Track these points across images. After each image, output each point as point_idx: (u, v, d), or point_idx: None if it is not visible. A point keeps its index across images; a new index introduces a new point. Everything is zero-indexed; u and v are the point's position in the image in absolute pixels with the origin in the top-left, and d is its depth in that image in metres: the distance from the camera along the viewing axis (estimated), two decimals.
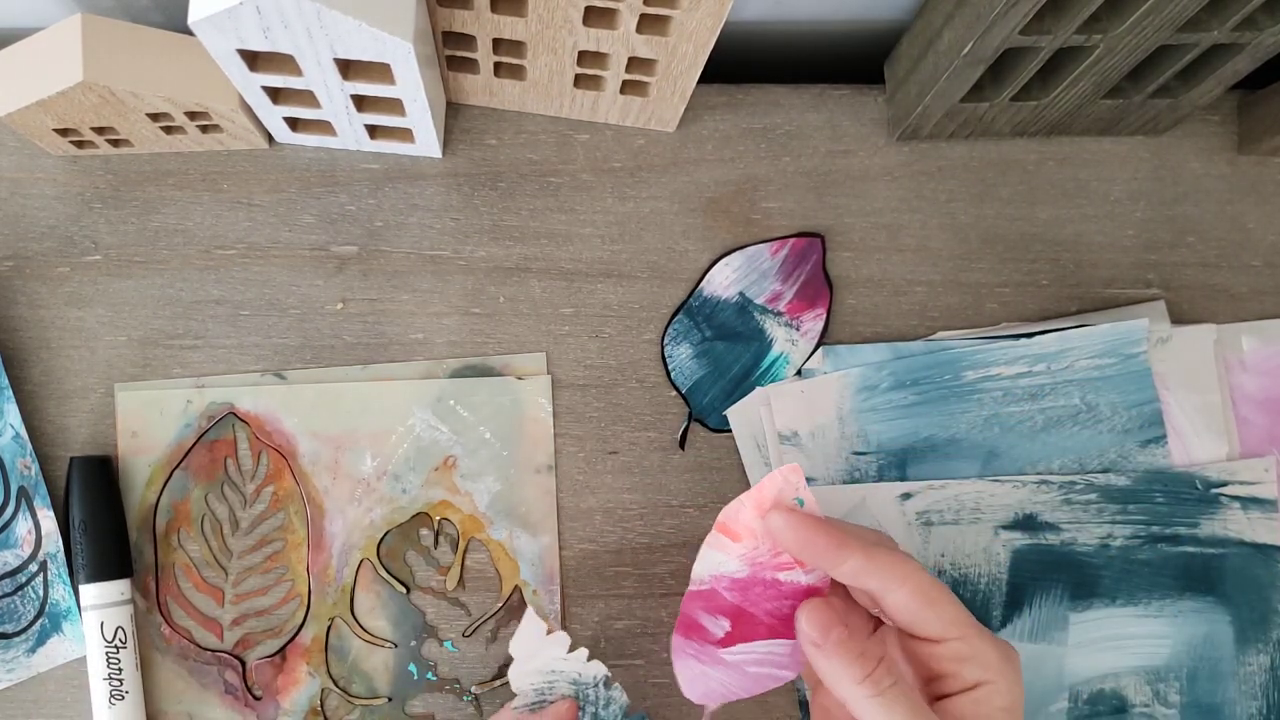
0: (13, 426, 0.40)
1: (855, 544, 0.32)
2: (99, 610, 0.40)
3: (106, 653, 0.39)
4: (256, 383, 0.43)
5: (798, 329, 0.45)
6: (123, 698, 0.39)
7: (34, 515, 0.40)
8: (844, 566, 0.32)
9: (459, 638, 0.42)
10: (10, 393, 0.40)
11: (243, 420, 0.42)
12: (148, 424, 0.42)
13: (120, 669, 0.39)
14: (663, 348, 0.44)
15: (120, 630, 0.40)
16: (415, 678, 0.42)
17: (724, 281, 0.45)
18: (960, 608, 0.32)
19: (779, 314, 0.45)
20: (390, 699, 0.42)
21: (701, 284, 0.45)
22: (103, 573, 0.40)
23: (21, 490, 0.40)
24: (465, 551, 0.43)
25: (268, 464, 0.42)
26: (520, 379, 0.43)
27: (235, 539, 0.42)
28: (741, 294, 0.45)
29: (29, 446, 0.40)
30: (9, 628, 0.40)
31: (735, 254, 0.45)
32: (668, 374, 0.44)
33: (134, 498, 0.42)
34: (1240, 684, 0.43)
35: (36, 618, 0.40)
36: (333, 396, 0.43)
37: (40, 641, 0.41)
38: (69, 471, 0.40)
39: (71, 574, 0.41)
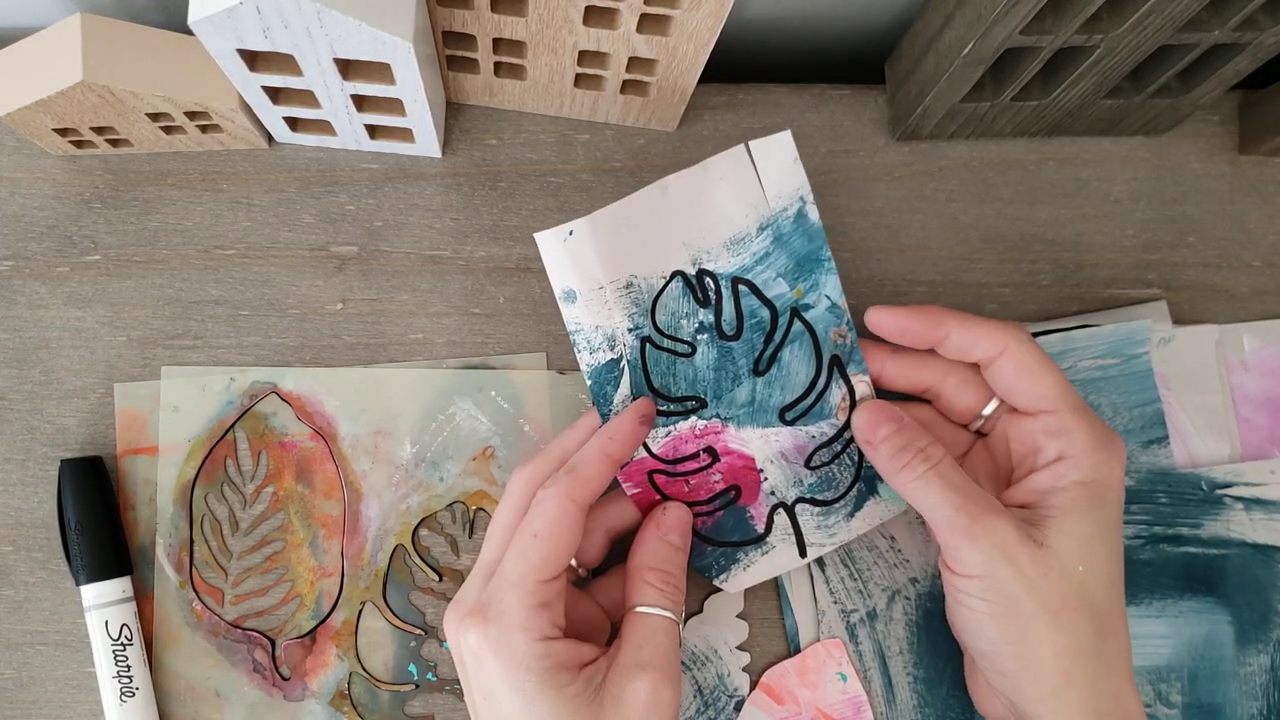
0: (829, 297, 0.38)
1: (951, 317, 0.33)
2: (102, 610, 0.39)
3: (114, 650, 0.39)
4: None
5: None
6: (133, 694, 0.39)
7: (847, 382, 0.38)
8: (947, 342, 0.33)
9: None
10: (832, 264, 0.38)
11: (285, 400, 0.43)
12: (190, 400, 0.42)
13: (129, 666, 0.39)
14: None
15: (125, 627, 0.40)
16: (415, 678, 0.42)
17: None
18: (1060, 382, 0.33)
19: None
20: (418, 685, 0.42)
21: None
22: (102, 572, 0.40)
23: (835, 359, 0.38)
24: None
25: (268, 464, 0.42)
26: (562, 373, 0.43)
27: (235, 539, 0.42)
28: None
29: (846, 315, 0.38)
30: (828, 494, 0.39)
31: None
32: None
33: (171, 474, 0.42)
34: (1241, 684, 0.42)
35: (854, 483, 0.39)
36: (375, 381, 0.43)
37: (858, 505, 0.39)
38: (60, 474, 0.40)
39: (73, 575, 0.40)
